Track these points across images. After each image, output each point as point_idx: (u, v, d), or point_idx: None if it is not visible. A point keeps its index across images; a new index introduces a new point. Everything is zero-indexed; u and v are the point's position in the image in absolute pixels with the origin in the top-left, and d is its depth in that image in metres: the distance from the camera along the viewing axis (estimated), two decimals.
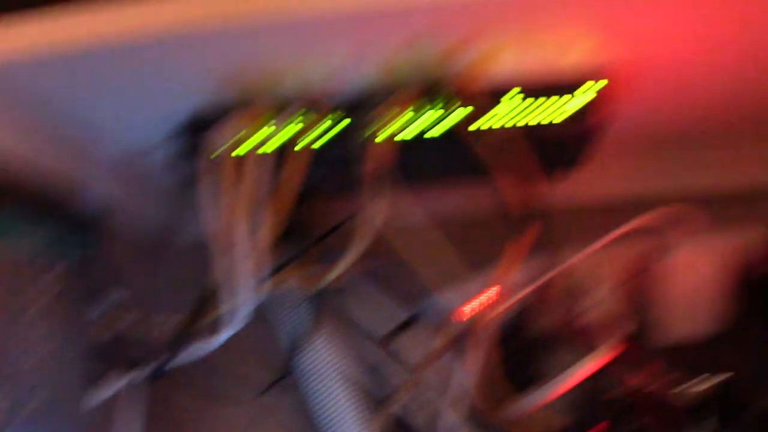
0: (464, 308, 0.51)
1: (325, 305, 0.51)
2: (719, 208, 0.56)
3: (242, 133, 0.39)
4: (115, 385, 0.45)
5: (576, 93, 0.39)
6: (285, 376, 0.49)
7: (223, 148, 0.39)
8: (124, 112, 0.42)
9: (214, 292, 0.46)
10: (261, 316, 0.50)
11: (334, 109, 0.40)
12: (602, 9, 0.33)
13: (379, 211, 0.36)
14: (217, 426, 0.56)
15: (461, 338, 0.42)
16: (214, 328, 0.41)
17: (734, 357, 0.49)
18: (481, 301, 0.50)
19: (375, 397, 0.50)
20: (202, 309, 0.46)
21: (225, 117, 0.40)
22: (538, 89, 0.39)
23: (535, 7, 0.33)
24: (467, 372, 0.39)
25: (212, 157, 0.39)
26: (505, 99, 0.39)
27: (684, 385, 0.48)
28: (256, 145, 0.39)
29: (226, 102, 0.40)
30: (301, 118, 0.40)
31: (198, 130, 0.41)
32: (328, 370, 0.48)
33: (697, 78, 0.42)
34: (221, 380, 0.55)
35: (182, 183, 0.51)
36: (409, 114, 0.39)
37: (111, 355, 0.46)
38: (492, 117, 0.39)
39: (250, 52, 0.35)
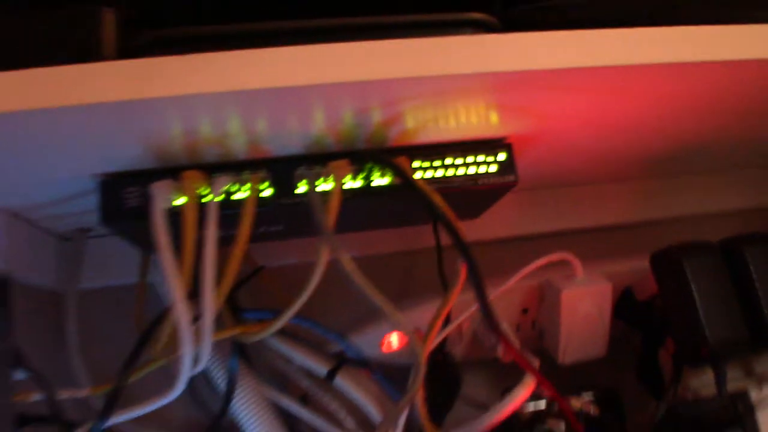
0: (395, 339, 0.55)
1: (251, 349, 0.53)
2: (609, 239, 0.65)
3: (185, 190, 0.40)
4: None
5: (488, 157, 0.44)
6: (220, 421, 0.51)
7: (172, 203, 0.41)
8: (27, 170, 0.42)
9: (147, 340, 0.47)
10: None
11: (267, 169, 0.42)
12: (507, 96, 0.39)
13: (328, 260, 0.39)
14: None
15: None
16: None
17: (620, 373, 0.57)
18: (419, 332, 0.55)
19: None
20: (133, 364, 0.47)
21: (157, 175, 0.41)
22: (458, 153, 0.44)
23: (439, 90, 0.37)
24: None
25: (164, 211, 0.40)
26: (429, 163, 0.44)
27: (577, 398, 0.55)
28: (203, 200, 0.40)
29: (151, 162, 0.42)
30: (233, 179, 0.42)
31: (125, 186, 0.42)
32: (263, 411, 0.50)
33: (578, 142, 0.50)
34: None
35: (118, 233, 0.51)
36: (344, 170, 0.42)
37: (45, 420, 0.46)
38: (421, 174, 0.44)
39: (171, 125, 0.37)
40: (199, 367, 0.41)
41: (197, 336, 0.39)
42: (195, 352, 0.40)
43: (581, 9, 0.38)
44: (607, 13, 0.37)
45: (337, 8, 0.37)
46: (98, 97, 0.33)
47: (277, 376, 0.56)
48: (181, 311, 0.38)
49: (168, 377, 0.48)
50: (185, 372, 0.40)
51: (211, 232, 0.38)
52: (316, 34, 0.36)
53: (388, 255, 0.61)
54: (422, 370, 0.41)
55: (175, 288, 0.38)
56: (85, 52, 0.34)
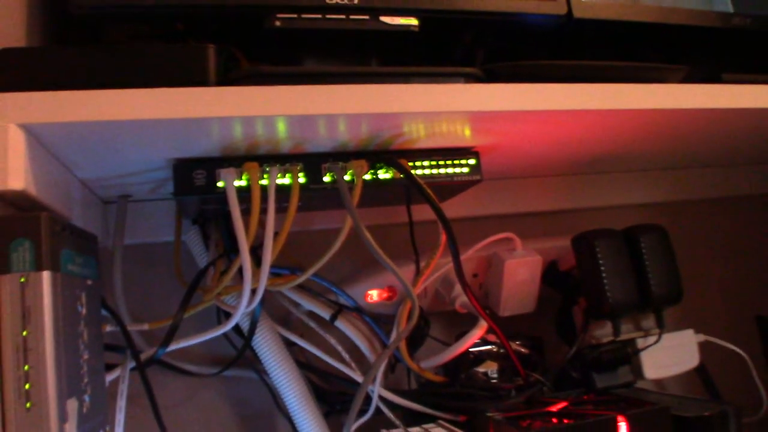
0: (376, 293, 0.71)
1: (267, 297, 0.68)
2: (542, 222, 0.83)
3: (243, 175, 0.55)
4: (121, 369, 0.60)
5: (462, 161, 0.60)
6: (241, 354, 0.66)
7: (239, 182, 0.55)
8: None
9: (195, 288, 0.62)
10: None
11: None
12: (482, 124, 0.55)
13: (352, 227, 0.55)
14: (171, 392, 0.72)
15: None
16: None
17: (543, 325, 0.75)
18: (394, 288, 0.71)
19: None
20: (186, 305, 0.61)
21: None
22: (441, 158, 0.60)
23: (434, 119, 0.53)
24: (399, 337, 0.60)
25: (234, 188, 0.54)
26: (421, 163, 0.59)
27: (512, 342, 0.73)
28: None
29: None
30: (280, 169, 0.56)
31: (194, 169, 0.56)
32: (278, 345, 0.65)
33: (528, 150, 0.67)
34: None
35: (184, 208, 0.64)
36: (364, 168, 0.57)
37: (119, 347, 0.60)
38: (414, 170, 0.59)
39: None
40: (254, 304, 0.55)
41: (256, 279, 0.54)
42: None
43: (541, 69, 0.54)
44: (558, 73, 0.53)
45: (369, 53, 0.52)
46: (204, 113, 0.47)
47: (281, 317, 0.71)
48: (247, 260, 0.53)
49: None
50: (242, 307, 0.54)
51: (271, 206, 0.54)
52: (355, 77, 0.50)
53: (368, 227, 0.77)
54: (417, 310, 0.57)
55: (243, 243, 0.53)
56: (194, 78, 0.48)
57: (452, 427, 0.61)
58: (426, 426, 0.62)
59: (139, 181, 0.64)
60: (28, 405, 0.44)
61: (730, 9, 0.72)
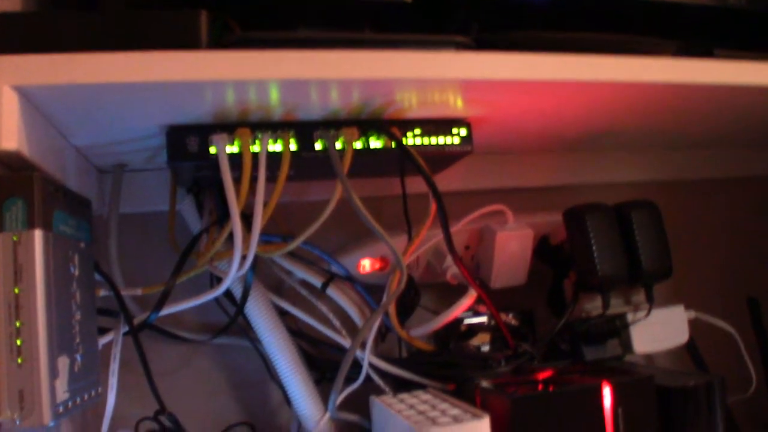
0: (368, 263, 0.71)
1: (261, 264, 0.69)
2: (534, 197, 0.84)
3: (236, 141, 0.55)
4: (114, 333, 0.60)
5: (453, 131, 0.61)
6: (234, 321, 0.67)
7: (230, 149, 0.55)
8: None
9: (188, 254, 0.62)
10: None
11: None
12: (472, 93, 0.55)
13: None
14: (164, 359, 0.73)
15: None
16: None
17: (534, 298, 0.76)
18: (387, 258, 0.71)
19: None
20: (180, 270, 0.62)
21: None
22: (432, 127, 0.61)
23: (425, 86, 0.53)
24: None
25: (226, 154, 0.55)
26: (412, 132, 0.60)
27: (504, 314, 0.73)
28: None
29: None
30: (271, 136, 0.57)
31: (187, 135, 0.56)
32: (270, 312, 0.66)
33: (519, 123, 0.67)
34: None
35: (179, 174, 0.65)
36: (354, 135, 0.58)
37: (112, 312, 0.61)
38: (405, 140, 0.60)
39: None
40: (245, 269, 0.56)
41: (245, 245, 0.55)
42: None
43: (532, 38, 0.55)
44: (549, 43, 0.54)
45: (362, 23, 0.53)
46: (195, 76, 0.47)
47: (274, 285, 0.72)
48: (237, 225, 0.53)
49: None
50: (233, 272, 0.55)
51: (262, 172, 0.54)
52: (346, 43, 0.51)
53: (362, 198, 0.77)
54: (405, 276, 0.58)
55: (234, 208, 0.53)
56: (186, 42, 0.48)
57: (440, 393, 0.61)
58: (415, 392, 0.63)
59: (133, 149, 0.65)
60: (19, 360, 0.45)
61: None
